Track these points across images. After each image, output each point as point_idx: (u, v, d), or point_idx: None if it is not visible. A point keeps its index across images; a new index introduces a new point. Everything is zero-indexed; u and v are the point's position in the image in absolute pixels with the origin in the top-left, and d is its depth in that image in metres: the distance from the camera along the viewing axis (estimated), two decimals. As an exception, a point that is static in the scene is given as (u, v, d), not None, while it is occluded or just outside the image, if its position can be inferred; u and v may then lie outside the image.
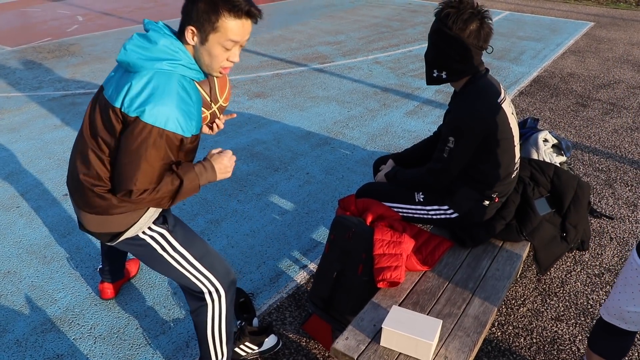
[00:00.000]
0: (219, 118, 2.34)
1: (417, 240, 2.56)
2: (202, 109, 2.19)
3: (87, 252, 3.38)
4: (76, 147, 2.01)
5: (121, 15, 10.65)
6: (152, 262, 2.11)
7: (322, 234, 3.51)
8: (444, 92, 6.10)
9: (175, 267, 2.10)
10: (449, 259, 2.53)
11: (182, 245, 2.10)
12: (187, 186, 1.88)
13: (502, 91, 2.49)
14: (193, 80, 1.89)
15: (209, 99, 2.18)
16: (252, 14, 1.84)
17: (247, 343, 2.53)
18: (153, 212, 2.05)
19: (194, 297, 2.18)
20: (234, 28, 1.81)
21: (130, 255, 3.35)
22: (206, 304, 2.17)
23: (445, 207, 2.61)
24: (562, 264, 3.24)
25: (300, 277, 3.15)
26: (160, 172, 1.83)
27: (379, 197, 2.75)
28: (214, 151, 2.05)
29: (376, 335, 2.05)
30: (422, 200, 2.65)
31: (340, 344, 2.02)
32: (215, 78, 2.17)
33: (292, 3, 11.22)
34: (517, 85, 6.27)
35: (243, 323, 2.60)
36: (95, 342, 2.69)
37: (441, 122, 5.17)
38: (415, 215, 2.70)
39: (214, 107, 2.23)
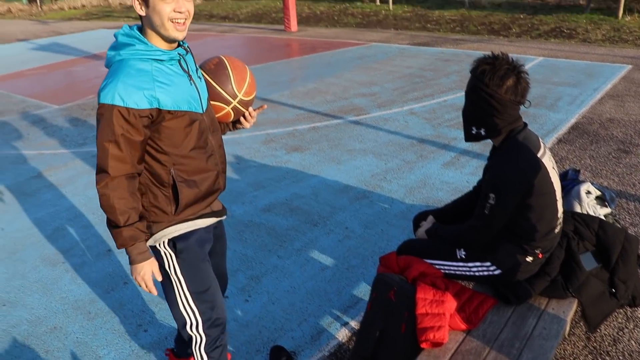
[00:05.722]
0: (246, 112, 2.44)
1: (460, 297, 2.53)
2: (222, 104, 2.32)
3: (130, 309, 3.44)
4: None
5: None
6: (163, 275, 2.27)
7: (363, 291, 3.49)
8: (481, 142, 6.07)
9: (172, 290, 2.28)
10: (493, 317, 2.48)
11: (182, 273, 2.25)
12: (123, 231, 2.05)
13: (542, 145, 2.49)
14: (162, 60, 2.05)
15: (226, 95, 2.29)
16: None
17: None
18: (171, 231, 2.21)
19: (181, 331, 2.37)
20: None
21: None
22: (190, 340, 2.35)
23: (488, 264, 2.58)
24: (613, 321, 3.13)
25: (342, 334, 3.12)
26: (115, 156, 1.98)
27: (420, 254, 2.74)
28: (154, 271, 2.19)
29: (422, 399, 2.01)
30: (463, 257, 2.63)
31: (385, 408, 1.99)
32: (230, 73, 2.30)
33: (325, 56, 11.47)
34: (555, 132, 6.21)
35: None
36: (139, 404, 2.71)
37: (479, 173, 5.14)
38: (457, 272, 2.67)
39: (234, 102, 2.33)
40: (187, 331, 2.31)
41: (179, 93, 2.04)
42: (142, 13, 2.00)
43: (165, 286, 2.29)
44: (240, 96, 2.32)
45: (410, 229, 4.19)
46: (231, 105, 2.32)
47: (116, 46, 2.04)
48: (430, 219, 2.95)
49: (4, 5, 31.42)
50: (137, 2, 2.00)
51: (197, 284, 2.27)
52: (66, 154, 6.41)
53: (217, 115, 2.36)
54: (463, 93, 7.47)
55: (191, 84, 2.11)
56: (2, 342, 3.22)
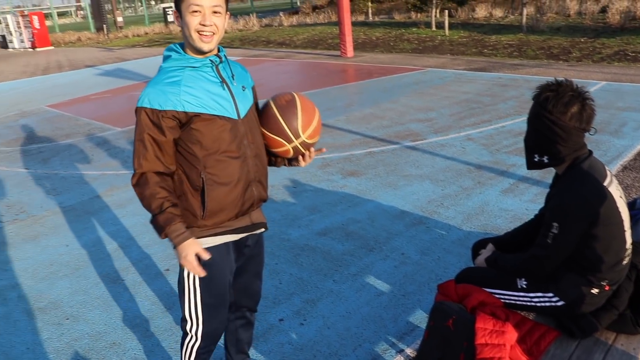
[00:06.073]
0: (306, 152, 2.44)
1: (521, 328, 2.46)
2: (283, 141, 2.33)
3: (188, 330, 3.49)
4: None
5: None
6: (180, 280, 2.39)
7: (419, 318, 3.44)
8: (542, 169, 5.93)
9: (184, 294, 2.38)
10: (556, 350, 2.40)
11: (200, 284, 2.35)
12: (158, 219, 2.14)
13: (608, 173, 2.41)
14: (196, 67, 2.19)
15: (289, 133, 2.31)
16: None
17: None
18: (201, 242, 2.27)
19: (181, 326, 2.50)
20: None
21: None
22: (186, 335, 2.48)
23: (550, 295, 2.50)
24: (685, 358, 2.97)
25: (398, 362, 3.08)
26: (142, 154, 2.13)
27: (479, 282, 2.68)
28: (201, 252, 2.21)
29: None
30: (524, 286, 2.56)
31: None
32: (299, 113, 2.31)
33: (381, 81, 11.51)
34: (620, 159, 6.00)
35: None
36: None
37: (539, 201, 5.01)
38: (517, 302, 2.60)
39: (296, 142, 2.34)
40: (185, 329, 2.44)
41: (208, 97, 2.15)
42: (178, 25, 2.20)
43: (179, 289, 2.41)
44: (303, 137, 2.34)
45: (468, 256, 4.10)
46: (292, 144, 2.35)
47: (162, 60, 2.26)
48: (490, 247, 2.89)
49: (74, 34, 33.18)
50: (175, 15, 2.21)
51: (210, 297, 2.38)
52: (127, 175, 6.64)
53: (276, 150, 2.40)
54: (521, 119, 7.34)
55: (224, 89, 2.20)
56: (65, 355, 3.34)
